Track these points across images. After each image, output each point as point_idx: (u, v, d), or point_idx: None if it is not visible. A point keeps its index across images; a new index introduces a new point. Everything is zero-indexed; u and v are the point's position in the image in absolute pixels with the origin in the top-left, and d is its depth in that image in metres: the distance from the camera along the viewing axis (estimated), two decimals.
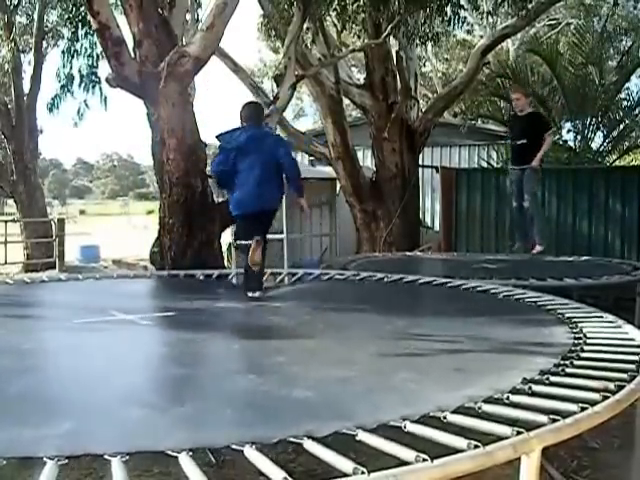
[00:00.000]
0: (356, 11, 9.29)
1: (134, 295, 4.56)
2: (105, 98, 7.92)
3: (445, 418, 1.73)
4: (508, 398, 1.88)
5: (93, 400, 2.08)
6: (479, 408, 1.80)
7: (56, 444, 1.60)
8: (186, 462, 1.48)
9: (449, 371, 2.29)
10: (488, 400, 1.86)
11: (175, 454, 1.52)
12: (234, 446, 1.56)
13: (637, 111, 11.63)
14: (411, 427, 1.67)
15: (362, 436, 1.61)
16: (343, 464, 1.44)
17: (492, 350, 2.60)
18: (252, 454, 1.52)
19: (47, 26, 14.64)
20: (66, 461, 1.48)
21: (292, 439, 1.59)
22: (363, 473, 1.38)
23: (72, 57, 8.32)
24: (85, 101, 8.23)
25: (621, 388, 1.94)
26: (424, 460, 1.44)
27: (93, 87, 8.05)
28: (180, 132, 6.15)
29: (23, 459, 1.54)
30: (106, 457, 1.50)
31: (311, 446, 1.56)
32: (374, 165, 10.88)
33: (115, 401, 2.05)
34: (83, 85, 8.08)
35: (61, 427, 1.73)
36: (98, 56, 8.16)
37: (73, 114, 8.48)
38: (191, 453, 1.52)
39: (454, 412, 1.77)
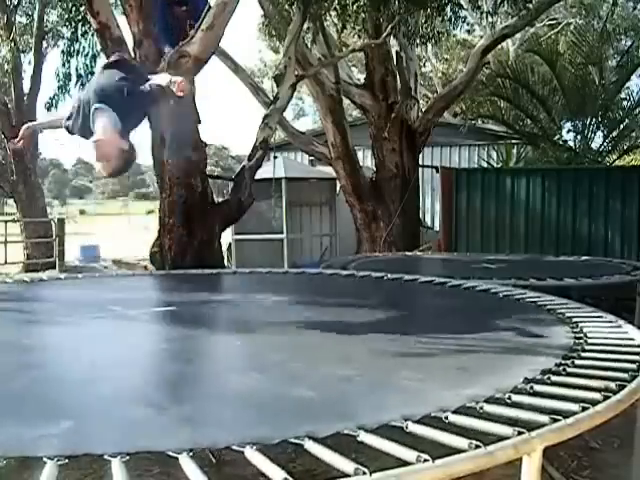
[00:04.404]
0: (356, 11, 9.29)
1: (134, 294, 4.54)
2: None
3: (447, 418, 1.73)
4: (510, 398, 1.88)
5: (93, 398, 2.08)
6: (481, 408, 1.79)
7: (55, 444, 1.59)
8: (186, 463, 1.48)
9: (450, 371, 2.29)
10: (489, 400, 1.86)
11: (175, 455, 1.51)
12: (235, 447, 1.56)
13: (637, 111, 11.64)
14: (412, 427, 1.66)
15: (364, 437, 1.61)
16: (344, 465, 1.44)
17: (493, 349, 2.60)
18: (253, 455, 1.52)
19: (47, 26, 14.63)
20: (66, 461, 1.48)
21: (293, 440, 1.59)
22: (365, 473, 1.38)
23: (71, 57, 8.33)
24: None
25: (622, 388, 1.94)
26: (425, 460, 1.44)
27: None
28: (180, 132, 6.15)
29: (23, 459, 1.54)
30: (106, 457, 1.50)
31: (312, 447, 1.56)
32: (374, 165, 10.89)
33: (115, 399, 2.05)
34: (79, 84, 8.09)
35: (60, 426, 1.72)
36: (95, 56, 8.17)
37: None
38: (191, 454, 1.51)
39: (455, 412, 1.76)
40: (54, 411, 1.90)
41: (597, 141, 11.81)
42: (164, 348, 2.94)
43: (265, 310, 3.76)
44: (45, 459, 1.47)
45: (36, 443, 1.59)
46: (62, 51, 8.62)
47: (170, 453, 1.52)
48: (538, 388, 1.97)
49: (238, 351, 2.88)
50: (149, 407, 1.93)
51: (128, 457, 1.49)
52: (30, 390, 2.14)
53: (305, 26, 8.27)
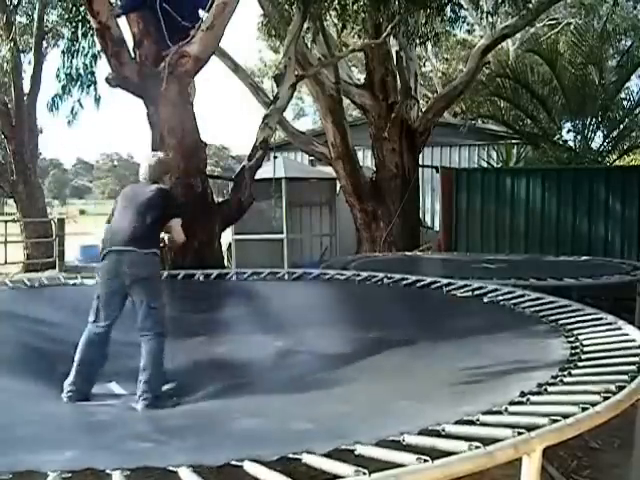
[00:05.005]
0: (356, 11, 9.28)
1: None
2: (99, 98, 7.96)
3: (444, 430, 1.71)
4: (507, 410, 1.87)
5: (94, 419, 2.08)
6: (477, 420, 1.78)
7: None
8: (186, 474, 1.48)
9: (447, 387, 2.27)
10: (487, 412, 1.85)
11: (175, 469, 1.51)
12: (234, 462, 1.55)
13: (637, 111, 11.63)
14: (409, 439, 1.65)
15: (361, 450, 1.59)
16: (343, 469, 1.44)
17: (491, 365, 2.58)
18: (251, 467, 1.51)
19: (47, 26, 14.62)
20: (69, 475, 1.48)
21: (291, 455, 1.57)
22: (364, 474, 1.38)
23: (72, 57, 8.31)
24: (79, 100, 8.26)
25: (621, 388, 1.94)
26: (425, 461, 1.44)
27: (88, 87, 8.07)
28: (180, 132, 6.14)
29: (27, 473, 1.53)
30: (108, 471, 1.50)
31: (310, 459, 1.55)
32: (374, 165, 10.88)
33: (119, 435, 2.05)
34: (79, 84, 8.09)
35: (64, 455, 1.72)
36: (96, 56, 8.16)
37: (68, 113, 8.51)
38: (191, 469, 1.51)
39: (454, 424, 1.75)
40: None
41: (597, 141, 11.82)
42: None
43: (264, 314, 3.75)
44: (49, 472, 1.47)
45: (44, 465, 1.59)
46: (62, 51, 8.60)
47: (170, 468, 1.52)
48: (535, 399, 1.95)
49: (235, 359, 2.88)
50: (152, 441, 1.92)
51: (129, 472, 1.49)
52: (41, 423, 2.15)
53: (305, 26, 8.26)
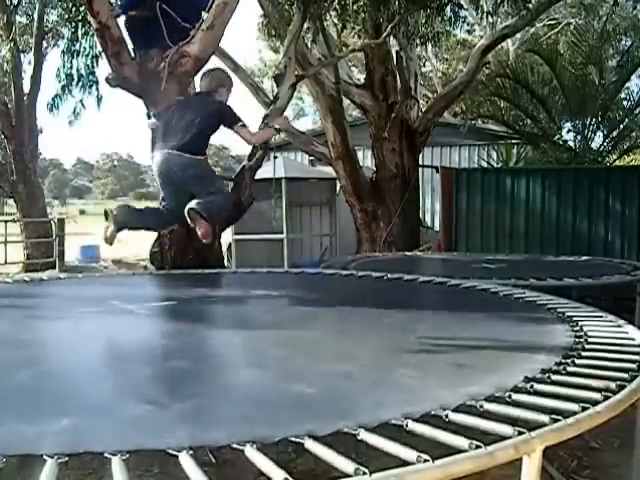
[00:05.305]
0: (356, 11, 9.29)
1: (134, 292, 4.54)
2: (100, 98, 7.98)
3: (447, 417, 1.72)
4: (510, 397, 1.88)
5: (92, 393, 2.07)
6: (481, 407, 1.79)
7: (55, 440, 1.59)
8: (187, 461, 1.48)
9: (451, 369, 2.28)
10: (489, 398, 1.86)
11: (176, 453, 1.51)
12: (235, 445, 1.55)
13: (637, 111, 11.64)
14: (413, 425, 1.66)
15: (364, 435, 1.60)
16: (344, 464, 1.44)
17: (493, 348, 2.60)
18: (253, 454, 1.52)
19: (47, 26, 14.63)
20: (66, 459, 1.47)
21: (293, 439, 1.58)
22: (365, 474, 1.38)
23: (72, 57, 8.31)
24: (81, 101, 8.28)
25: (622, 388, 1.93)
26: (425, 461, 1.44)
27: (90, 87, 8.09)
28: None
29: (22, 457, 1.53)
30: (106, 455, 1.49)
31: (312, 446, 1.55)
32: (374, 165, 10.89)
33: (114, 395, 2.05)
34: (81, 85, 8.10)
35: (61, 423, 1.72)
36: (97, 56, 8.17)
37: (69, 113, 8.54)
38: (192, 452, 1.51)
39: (456, 410, 1.76)
40: (53, 406, 1.90)
41: (597, 141, 11.83)
42: (163, 344, 2.93)
43: (265, 307, 3.76)
44: (45, 457, 1.46)
45: (36, 440, 1.59)
46: (62, 51, 8.60)
47: (170, 451, 1.52)
48: (538, 387, 1.96)
49: (237, 347, 2.89)
50: (149, 403, 1.92)
51: (128, 455, 1.49)
52: (29, 384, 2.14)
53: (305, 26, 8.26)
